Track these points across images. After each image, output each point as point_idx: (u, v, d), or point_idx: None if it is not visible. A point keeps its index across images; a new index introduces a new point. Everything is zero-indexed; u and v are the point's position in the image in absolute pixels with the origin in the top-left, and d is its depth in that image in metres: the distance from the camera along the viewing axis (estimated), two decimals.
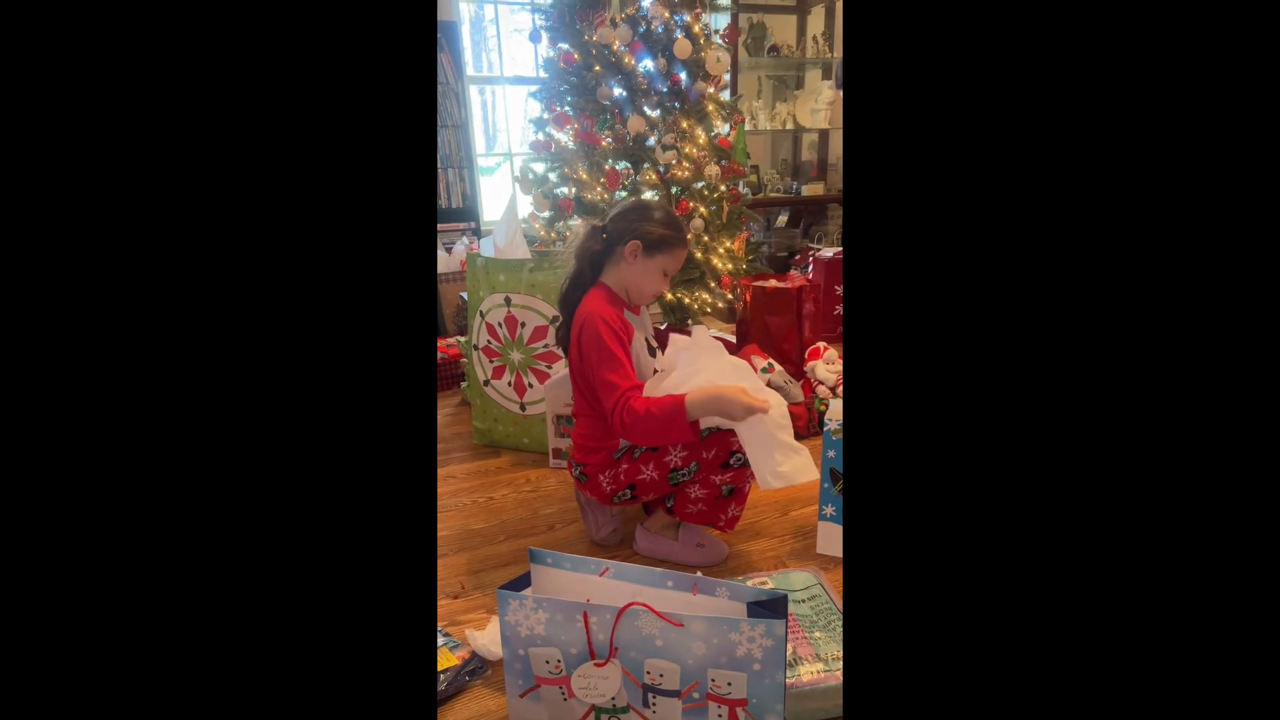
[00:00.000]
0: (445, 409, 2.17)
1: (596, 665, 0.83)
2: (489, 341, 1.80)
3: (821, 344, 2.13)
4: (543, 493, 1.62)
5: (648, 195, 2.03)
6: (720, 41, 2.07)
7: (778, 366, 1.94)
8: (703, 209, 2.01)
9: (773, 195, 3.53)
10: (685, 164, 1.97)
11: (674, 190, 2.03)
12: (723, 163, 2.02)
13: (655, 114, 2.01)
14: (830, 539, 1.31)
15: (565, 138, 2.03)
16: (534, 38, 2.08)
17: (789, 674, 0.92)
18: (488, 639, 1.04)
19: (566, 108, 2.02)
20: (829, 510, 1.29)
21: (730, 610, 0.83)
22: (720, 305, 2.12)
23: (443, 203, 3.06)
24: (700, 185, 2.04)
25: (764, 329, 2.27)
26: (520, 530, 1.46)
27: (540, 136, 2.08)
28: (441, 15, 2.92)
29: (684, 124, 1.98)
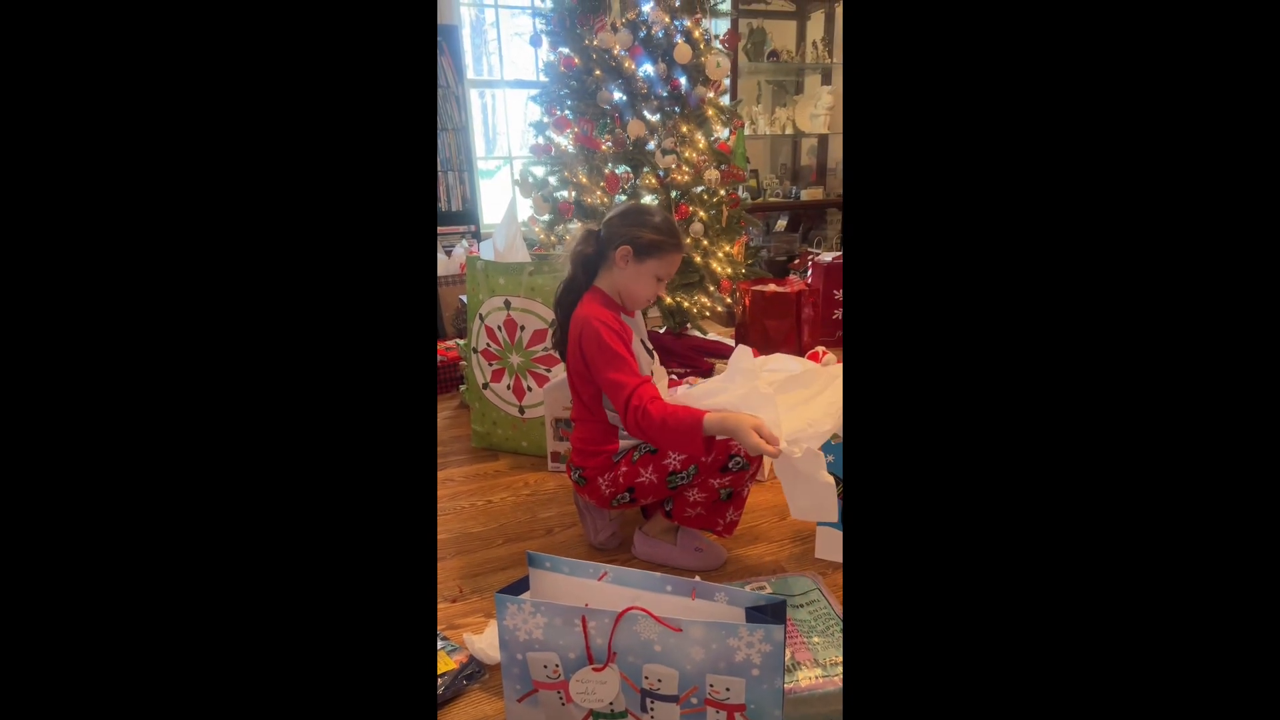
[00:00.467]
0: (444, 412, 2.16)
1: (595, 670, 0.83)
2: (488, 344, 1.80)
3: (820, 348, 2.13)
4: (541, 496, 1.62)
5: (647, 199, 2.04)
6: (720, 47, 2.08)
7: None
8: (702, 213, 2.02)
9: (772, 200, 3.54)
10: (685, 168, 1.97)
11: (674, 194, 2.03)
12: (722, 167, 2.02)
13: (655, 118, 2.01)
14: (829, 544, 1.31)
15: (565, 141, 2.04)
16: (534, 42, 2.09)
17: (787, 679, 0.92)
18: (485, 643, 1.03)
19: (567, 112, 2.02)
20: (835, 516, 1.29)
21: (729, 615, 0.83)
22: (719, 309, 2.13)
23: (443, 206, 3.06)
24: (700, 189, 2.05)
25: (763, 333, 2.28)
26: (518, 534, 1.46)
27: (540, 140, 2.08)
28: (442, 18, 2.93)
29: (684, 128, 1.99)
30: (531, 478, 1.71)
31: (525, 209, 2.12)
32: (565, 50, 1.99)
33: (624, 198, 1.98)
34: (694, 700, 0.81)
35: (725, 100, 2.22)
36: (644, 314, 1.40)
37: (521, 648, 0.85)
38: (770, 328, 2.30)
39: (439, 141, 2.98)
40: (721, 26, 2.87)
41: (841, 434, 1.19)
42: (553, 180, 2.09)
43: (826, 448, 1.26)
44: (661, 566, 1.29)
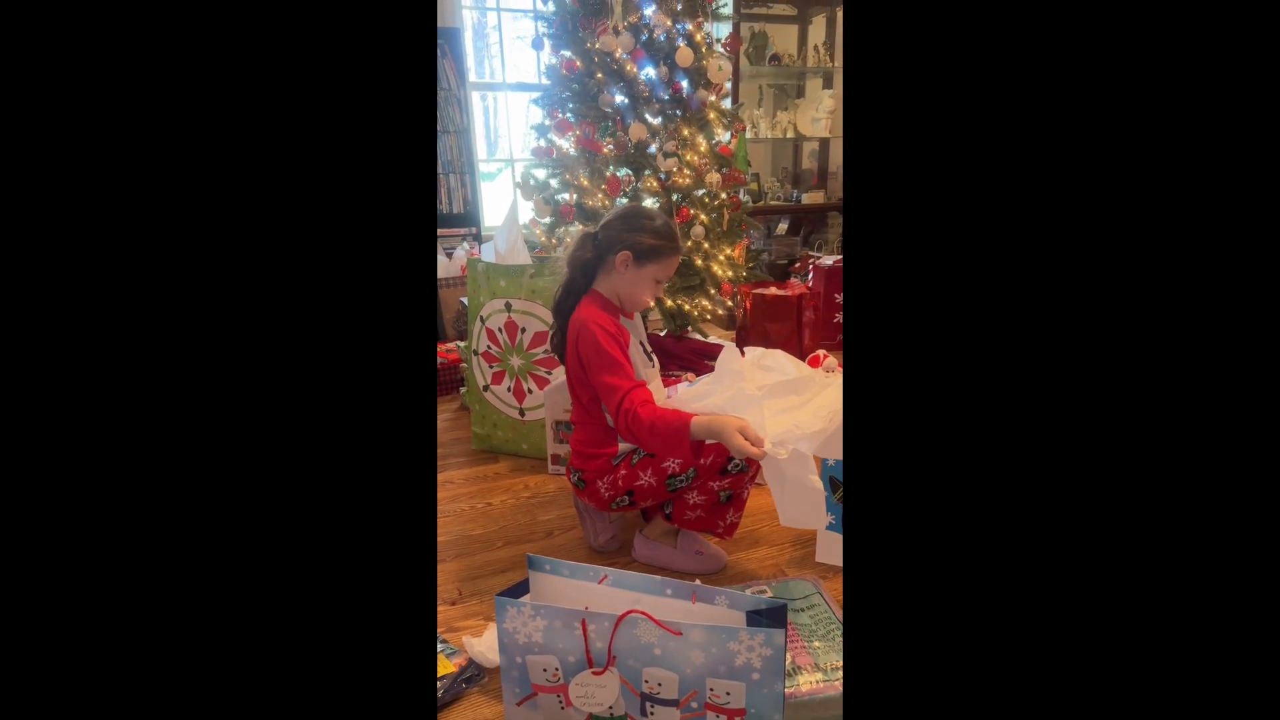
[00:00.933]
0: (444, 414, 2.16)
1: (594, 673, 0.82)
2: (489, 347, 1.80)
3: (821, 351, 2.12)
4: (541, 499, 1.61)
5: (649, 202, 2.04)
6: (722, 50, 2.08)
7: None
8: (703, 216, 2.02)
9: (773, 203, 3.54)
10: (686, 171, 1.97)
11: (675, 197, 2.03)
12: (723, 170, 2.02)
13: (657, 121, 2.01)
14: (830, 548, 1.31)
15: (567, 144, 2.04)
16: (536, 45, 2.09)
17: (788, 684, 0.92)
18: (485, 646, 1.03)
19: (568, 114, 2.02)
20: (829, 519, 1.29)
21: (729, 619, 0.83)
22: (720, 312, 2.13)
23: (444, 208, 3.06)
24: (701, 193, 2.05)
25: (764, 336, 2.28)
26: (518, 536, 1.45)
27: (542, 143, 2.08)
28: (445, 21, 2.93)
29: (685, 131, 1.99)
30: (532, 480, 1.70)
31: (526, 211, 2.12)
32: (567, 53, 1.99)
33: (625, 200, 1.98)
34: (694, 704, 0.81)
35: (727, 104, 2.23)
36: (645, 317, 1.40)
37: (521, 651, 0.85)
38: (771, 331, 2.30)
39: (441, 144, 2.99)
40: (723, 30, 2.88)
41: (840, 451, 1.18)
42: (554, 183, 2.09)
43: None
44: (662, 570, 1.28)
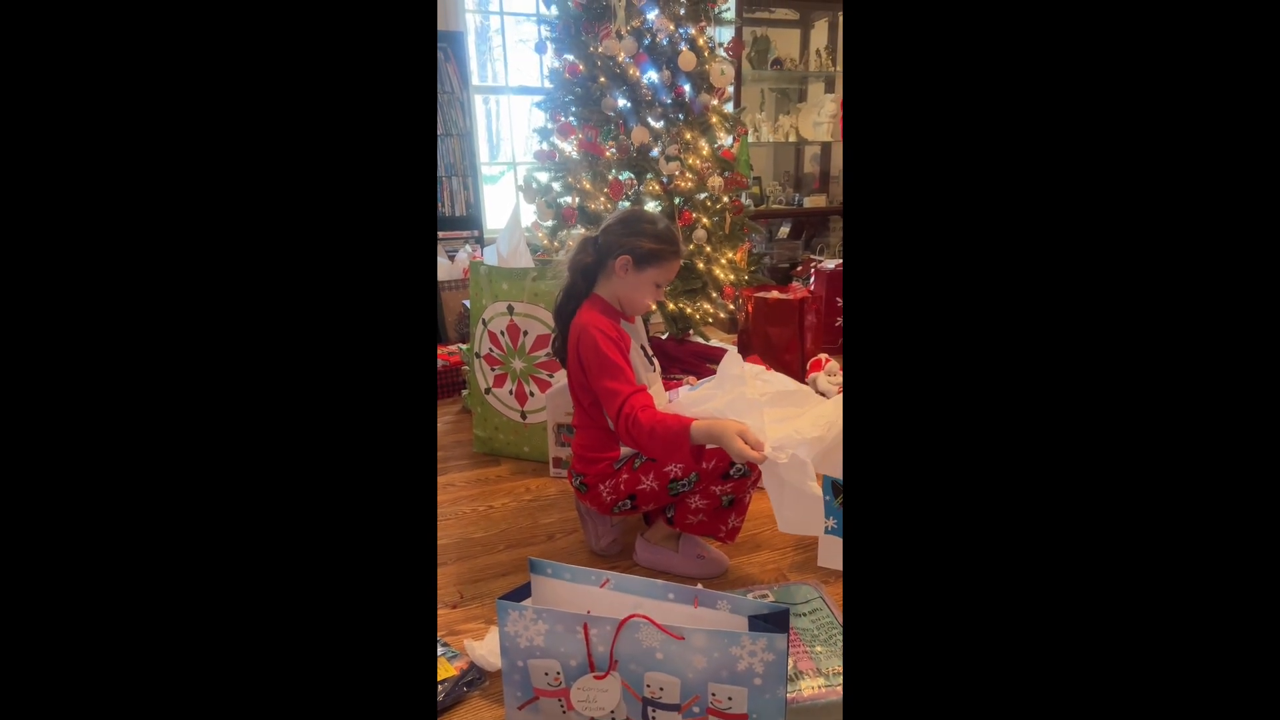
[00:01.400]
0: (446, 417, 2.16)
1: (596, 678, 0.82)
2: (491, 349, 1.80)
3: (823, 355, 2.13)
4: (543, 502, 1.61)
5: (651, 206, 2.04)
6: (724, 54, 2.08)
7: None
8: (705, 220, 2.02)
9: (775, 207, 3.55)
10: (688, 175, 1.97)
11: (677, 201, 2.04)
12: (726, 174, 2.02)
13: (659, 125, 2.02)
14: (832, 552, 1.30)
15: (569, 148, 2.04)
16: (539, 49, 2.09)
17: (790, 689, 0.92)
18: (486, 649, 1.03)
19: (571, 118, 2.03)
20: (830, 523, 1.29)
21: (731, 624, 0.83)
22: (722, 316, 2.13)
23: (446, 211, 3.07)
24: (703, 196, 2.05)
25: (765, 340, 2.28)
26: (520, 540, 1.45)
27: (544, 146, 2.09)
28: (448, 25, 2.94)
29: (687, 135, 1.99)
30: (533, 483, 1.70)
31: (529, 215, 2.13)
32: (570, 57, 2.00)
33: (627, 204, 1.98)
34: (696, 709, 0.81)
35: (729, 107, 2.23)
36: (647, 320, 1.40)
37: (523, 654, 0.85)
38: (773, 334, 2.30)
39: (443, 147, 2.99)
40: (726, 34, 2.89)
41: (839, 466, 1.18)
42: (556, 186, 2.09)
43: (827, 509, 1.25)
44: (663, 573, 1.28)
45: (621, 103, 1.97)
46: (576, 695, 0.83)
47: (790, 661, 0.96)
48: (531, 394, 1.77)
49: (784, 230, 3.58)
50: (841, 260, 2.81)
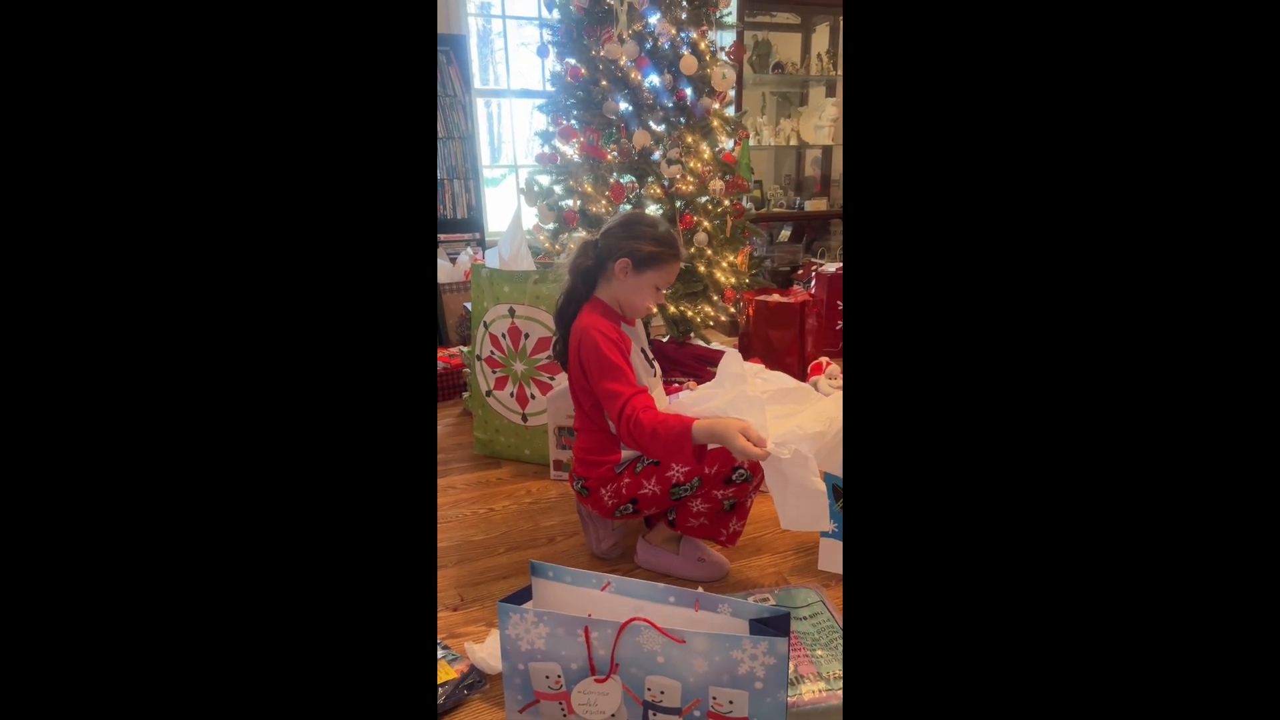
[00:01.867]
0: (447, 419, 2.16)
1: (597, 681, 0.82)
2: (492, 352, 1.80)
3: (824, 358, 2.13)
4: (543, 504, 1.61)
5: (652, 209, 2.04)
6: (726, 58, 2.09)
7: None
8: (706, 223, 2.02)
9: (776, 210, 3.55)
10: (690, 178, 1.98)
11: (678, 204, 2.04)
12: (727, 177, 2.03)
13: (660, 129, 2.02)
14: (832, 555, 1.30)
15: (571, 151, 2.04)
16: (541, 52, 2.10)
17: (791, 693, 0.92)
18: (487, 652, 1.03)
19: (573, 121, 2.03)
20: (831, 526, 1.29)
21: (732, 627, 0.83)
22: (723, 319, 2.13)
23: (448, 213, 3.07)
24: (704, 199, 2.05)
25: (766, 343, 2.28)
26: (520, 542, 1.45)
27: (546, 149, 2.09)
28: (450, 28, 2.95)
29: (689, 139, 2.00)
30: (534, 486, 1.70)
31: (530, 218, 2.13)
32: (572, 61, 2.00)
33: (629, 207, 1.99)
34: (696, 713, 0.81)
35: (730, 111, 2.23)
36: (647, 323, 1.40)
37: (523, 657, 0.85)
38: (774, 338, 2.31)
39: (446, 149, 3.00)
40: (727, 38, 2.89)
41: (840, 464, 1.18)
42: (558, 189, 2.09)
43: (829, 477, 1.25)
44: (664, 576, 1.28)
45: (623, 106, 1.97)
46: (577, 699, 0.83)
47: (791, 665, 0.96)
48: (532, 397, 1.77)
49: (785, 233, 3.58)
50: (842, 264, 2.82)
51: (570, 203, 2.05)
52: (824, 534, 1.30)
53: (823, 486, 1.07)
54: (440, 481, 1.74)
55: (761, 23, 3.37)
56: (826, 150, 3.60)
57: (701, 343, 2.20)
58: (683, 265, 1.94)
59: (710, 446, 1.15)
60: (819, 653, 1.00)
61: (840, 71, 3.39)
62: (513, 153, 3.43)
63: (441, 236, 3.04)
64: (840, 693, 0.93)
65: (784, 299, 2.34)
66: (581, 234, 1.97)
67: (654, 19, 1.94)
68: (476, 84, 3.13)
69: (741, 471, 1.17)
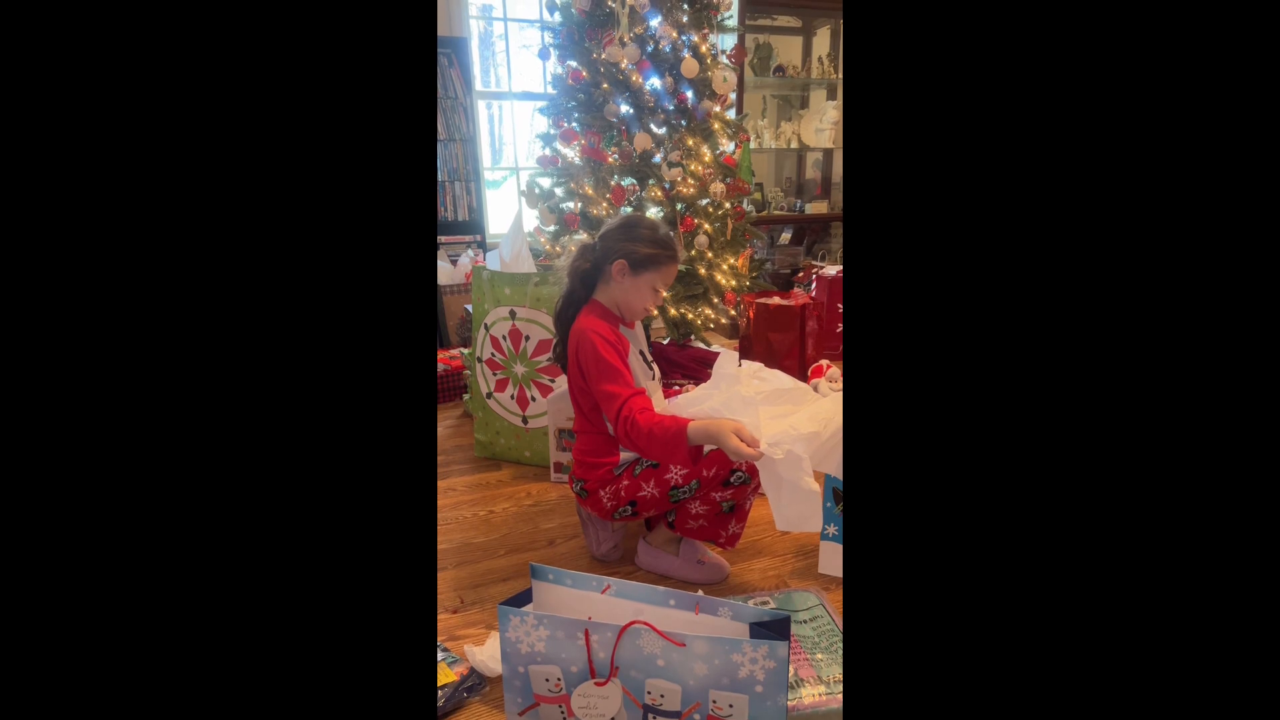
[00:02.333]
0: (447, 421, 2.16)
1: (597, 684, 0.82)
2: (493, 354, 1.80)
3: (824, 361, 2.13)
4: (544, 507, 1.61)
5: (653, 212, 2.04)
6: (727, 61, 2.09)
7: None
8: (707, 225, 2.02)
9: (777, 213, 3.55)
10: (690, 181, 1.98)
11: (679, 207, 2.04)
12: (728, 180, 2.03)
13: (661, 131, 2.02)
14: (832, 559, 1.30)
15: (572, 153, 2.05)
16: (543, 55, 2.10)
17: (790, 696, 0.92)
18: (487, 655, 1.03)
19: (574, 124, 2.03)
20: (831, 530, 1.29)
21: (733, 630, 0.83)
22: (724, 321, 2.13)
23: (449, 215, 3.08)
24: (705, 202, 2.06)
25: (767, 346, 2.28)
26: (520, 545, 1.45)
27: (547, 152, 2.09)
28: (452, 31, 2.96)
29: (690, 142, 2.00)
30: (534, 488, 1.70)
31: (531, 220, 2.13)
32: (573, 63, 2.01)
33: (629, 209, 1.99)
34: (696, 717, 0.80)
35: (731, 114, 2.24)
36: (648, 326, 1.40)
37: (523, 660, 0.84)
38: (774, 340, 2.31)
39: (447, 151, 3.00)
40: (728, 41, 2.90)
41: (838, 465, 1.18)
42: (559, 192, 2.10)
43: (829, 480, 1.25)
44: (664, 578, 1.28)
45: (624, 109, 1.98)
46: (577, 702, 0.83)
47: (791, 669, 0.96)
48: (533, 399, 1.77)
49: (785, 236, 3.59)
50: (842, 267, 2.82)
51: (571, 205, 2.06)
52: (824, 537, 1.30)
53: (817, 487, 1.07)
54: (440, 483, 1.74)
55: (763, 26, 3.38)
56: (827, 153, 3.60)
57: (702, 345, 2.20)
58: (682, 267, 1.94)
59: (706, 448, 1.15)
60: (819, 656, 1.00)
61: (841, 75, 3.40)
62: (514, 155, 3.43)
63: (442, 238, 3.04)
64: (840, 696, 0.92)
65: (784, 302, 2.34)
66: (582, 236, 1.97)
67: (655, 22, 1.95)
68: (478, 86, 3.14)
69: (740, 474, 1.17)
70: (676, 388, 1.48)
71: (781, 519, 1.10)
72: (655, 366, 1.34)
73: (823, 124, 3.44)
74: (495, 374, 1.81)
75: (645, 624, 0.79)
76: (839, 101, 3.43)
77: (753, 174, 3.05)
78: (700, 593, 0.87)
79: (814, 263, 3.28)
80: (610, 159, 1.97)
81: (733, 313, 2.13)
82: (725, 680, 0.78)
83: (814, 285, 2.75)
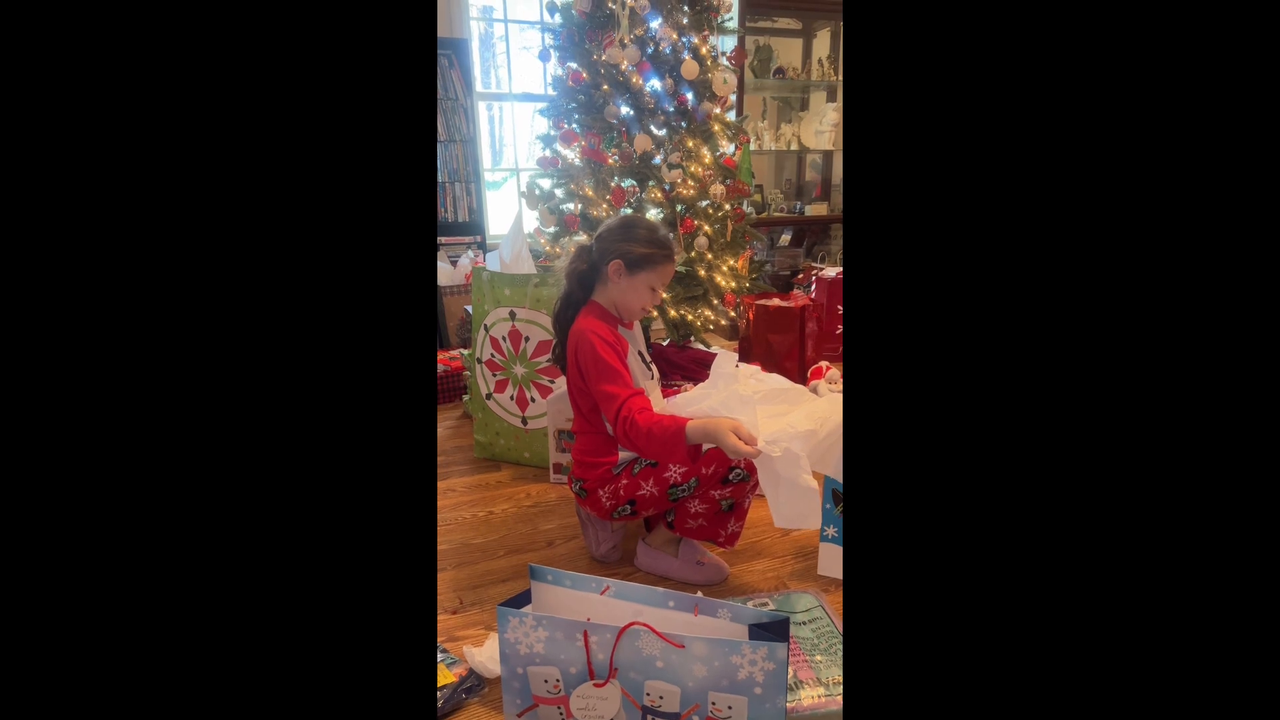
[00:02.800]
0: (447, 422, 2.16)
1: (596, 686, 0.82)
2: (493, 355, 1.80)
3: (824, 363, 2.13)
4: (543, 508, 1.61)
5: (652, 213, 2.05)
6: (727, 63, 2.09)
7: None
8: (707, 227, 2.03)
9: (776, 215, 3.56)
10: (690, 182, 1.98)
11: (679, 208, 2.04)
12: (727, 182, 2.03)
13: (662, 133, 2.02)
14: (832, 560, 1.30)
15: (572, 155, 2.05)
16: (543, 56, 2.10)
17: (790, 698, 0.92)
18: (486, 656, 1.03)
19: (574, 125, 2.04)
20: (830, 531, 1.29)
21: (732, 632, 0.83)
22: (723, 323, 2.13)
23: (449, 216, 3.08)
24: (705, 204, 2.06)
25: (767, 347, 2.28)
26: (520, 545, 1.45)
27: (547, 153, 2.10)
28: (452, 32, 2.96)
29: (690, 143, 2.00)
30: (533, 489, 1.70)
31: (531, 221, 2.13)
32: (574, 65, 2.01)
33: (629, 211, 1.99)
34: (696, 718, 0.80)
35: (731, 116, 2.24)
36: (646, 327, 1.40)
37: (522, 661, 0.84)
38: (774, 342, 2.31)
39: (447, 153, 3.01)
40: (729, 43, 2.90)
41: (838, 466, 1.18)
42: (559, 193, 2.10)
43: (829, 482, 1.25)
44: (663, 579, 1.28)
45: (624, 110, 1.98)
46: (576, 703, 0.83)
47: (790, 671, 0.96)
48: (532, 400, 1.77)
49: (785, 238, 3.59)
50: (842, 268, 2.82)
51: (571, 206, 2.06)
52: (823, 539, 1.30)
53: (814, 484, 1.07)
54: (440, 484, 1.74)
55: (763, 28, 3.38)
56: (827, 155, 3.60)
57: (702, 346, 2.20)
58: (681, 269, 1.94)
59: (705, 446, 1.15)
60: (818, 658, 1.00)
61: (841, 76, 3.40)
62: (514, 156, 3.43)
63: (442, 239, 3.04)
64: (839, 698, 0.92)
65: (784, 303, 2.34)
66: (582, 238, 1.97)
67: (655, 24, 1.95)
68: (478, 87, 3.14)
69: (738, 471, 1.17)
70: (675, 388, 1.48)
71: (780, 516, 1.10)
72: (654, 367, 1.35)
73: (823, 126, 3.45)
74: (495, 375, 1.81)
75: (644, 625, 0.79)
76: (839, 103, 3.43)
77: (753, 176, 3.05)
78: (699, 594, 0.87)
79: (814, 264, 3.29)
80: (610, 160, 1.97)
81: (732, 314, 2.13)
82: (724, 682, 0.78)
83: (814, 287, 2.75)
